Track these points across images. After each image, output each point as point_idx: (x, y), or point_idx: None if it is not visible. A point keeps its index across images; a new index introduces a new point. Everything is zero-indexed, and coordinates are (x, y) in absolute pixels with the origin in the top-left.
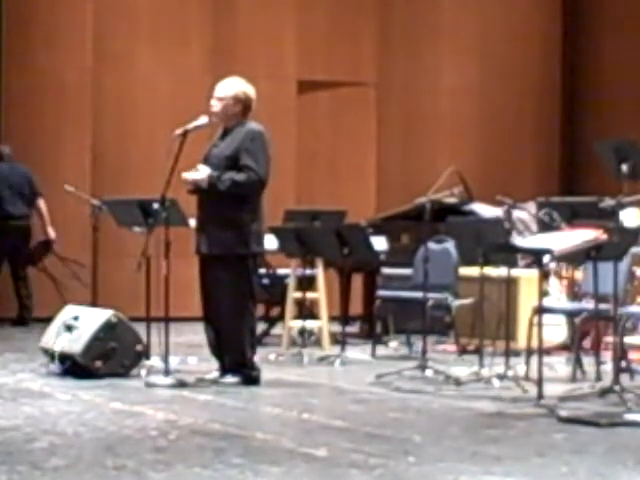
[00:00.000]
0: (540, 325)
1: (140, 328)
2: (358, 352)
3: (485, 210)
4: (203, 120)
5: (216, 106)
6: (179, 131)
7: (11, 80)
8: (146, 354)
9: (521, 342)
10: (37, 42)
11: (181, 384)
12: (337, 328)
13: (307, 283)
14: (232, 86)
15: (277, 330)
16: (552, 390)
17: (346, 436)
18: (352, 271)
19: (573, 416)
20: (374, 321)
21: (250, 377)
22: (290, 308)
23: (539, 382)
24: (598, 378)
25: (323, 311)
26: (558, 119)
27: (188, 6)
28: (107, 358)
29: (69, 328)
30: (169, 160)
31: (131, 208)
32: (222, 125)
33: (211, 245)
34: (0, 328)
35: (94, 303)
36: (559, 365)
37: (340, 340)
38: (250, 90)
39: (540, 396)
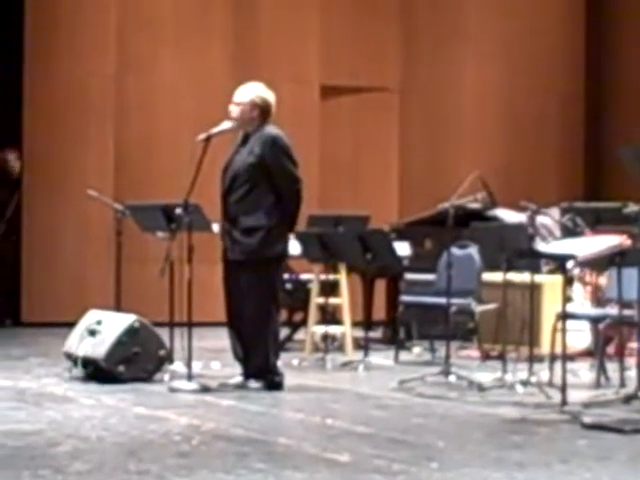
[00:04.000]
0: (564, 331)
1: (163, 333)
2: (381, 357)
3: (508, 216)
4: (226, 125)
5: (234, 111)
6: (202, 136)
7: (34, 86)
8: (169, 359)
9: (545, 348)
10: (60, 48)
11: (204, 389)
12: (360, 333)
13: (330, 288)
14: (250, 91)
15: (300, 335)
16: (576, 396)
17: (369, 441)
18: (375, 276)
19: (597, 422)
20: (397, 326)
21: (273, 382)
22: (313, 313)
23: (563, 388)
24: (622, 384)
25: (346, 316)
26: (582, 124)
27: (211, 12)
28: (130, 363)
29: (92, 333)
30: (193, 165)
31: (154, 213)
32: (243, 130)
33: (236, 251)
34: (26, 333)
35: (117, 308)
36: (583, 371)
37: (363, 345)
38: (269, 95)
39: (564, 402)
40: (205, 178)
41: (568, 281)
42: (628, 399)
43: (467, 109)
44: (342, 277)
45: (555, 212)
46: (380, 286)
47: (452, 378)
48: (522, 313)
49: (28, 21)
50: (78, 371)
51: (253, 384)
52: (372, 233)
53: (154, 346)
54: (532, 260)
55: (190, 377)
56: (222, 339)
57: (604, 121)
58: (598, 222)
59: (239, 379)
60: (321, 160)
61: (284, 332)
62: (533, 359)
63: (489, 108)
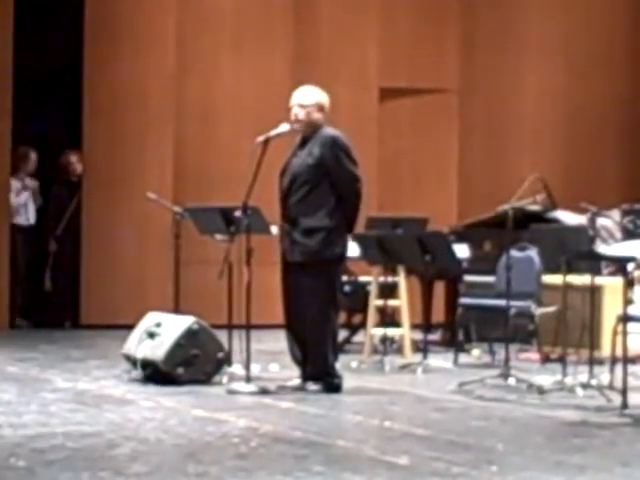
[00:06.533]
0: (625, 333)
1: (222, 335)
2: (440, 360)
3: (569, 217)
4: (284, 127)
5: (300, 113)
6: (261, 138)
7: (94, 88)
8: (228, 361)
9: (605, 350)
10: (120, 51)
11: (263, 391)
12: (419, 336)
13: (389, 290)
14: (314, 94)
15: (359, 337)
16: (637, 399)
17: (428, 444)
18: (434, 279)
19: None
20: (456, 329)
21: (332, 385)
22: (372, 315)
23: (624, 391)
24: None
25: (405, 319)
26: None
27: (271, 14)
28: (189, 365)
29: (151, 335)
30: (251, 168)
31: (213, 216)
32: (301, 133)
33: (295, 252)
34: (85, 335)
35: (176, 310)
36: None
37: (422, 348)
38: (327, 97)
39: (624, 405)
40: (263, 180)
41: (629, 283)
42: None
43: (527, 110)
44: (401, 279)
45: (616, 214)
46: (439, 288)
47: (511, 381)
48: (582, 316)
49: (88, 23)
50: (137, 373)
51: (312, 386)
52: (431, 235)
53: (213, 348)
54: (592, 262)
55: (249, 379)
56: (281, 341)
57: None
58: None
59: (297, 381)
60: (380, 162)
61: (343, 334)
62: (593, 362)
63: (549, 109)
